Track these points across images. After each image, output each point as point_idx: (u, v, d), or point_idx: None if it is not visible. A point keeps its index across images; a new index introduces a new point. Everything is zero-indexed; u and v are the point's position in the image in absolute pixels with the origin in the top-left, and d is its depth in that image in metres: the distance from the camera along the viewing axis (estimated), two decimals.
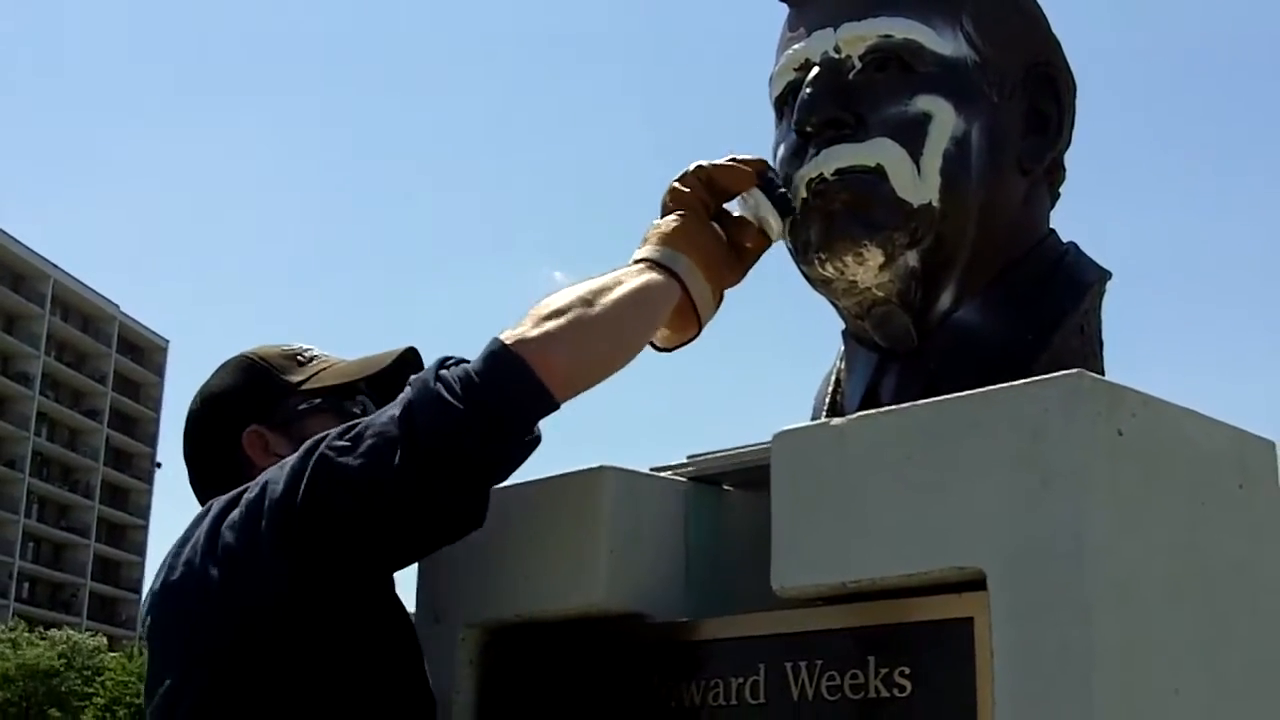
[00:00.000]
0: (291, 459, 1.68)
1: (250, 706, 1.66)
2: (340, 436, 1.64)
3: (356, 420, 1.68)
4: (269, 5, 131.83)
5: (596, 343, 1.68)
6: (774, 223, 1.82)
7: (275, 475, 1.68)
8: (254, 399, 1.97)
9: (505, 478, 1.67)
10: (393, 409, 1.64)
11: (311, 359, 2.03)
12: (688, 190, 1.83)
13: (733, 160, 1.84)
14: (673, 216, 1.81)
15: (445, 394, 1.59)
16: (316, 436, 1.67)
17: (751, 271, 1.88)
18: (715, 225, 1.83)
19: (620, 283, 1.71)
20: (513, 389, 1.60)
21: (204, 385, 2.03)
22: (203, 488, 1.97)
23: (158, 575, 1.81)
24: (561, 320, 1.64)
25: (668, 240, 1.78)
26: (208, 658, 1.69)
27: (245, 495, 1.70)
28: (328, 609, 1.66)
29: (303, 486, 1.62)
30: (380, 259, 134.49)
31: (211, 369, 2.06)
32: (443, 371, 1.63)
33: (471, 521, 1.66)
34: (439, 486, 1.59)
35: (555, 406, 1.63)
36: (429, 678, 1.79)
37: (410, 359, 1.98)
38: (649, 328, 1.75)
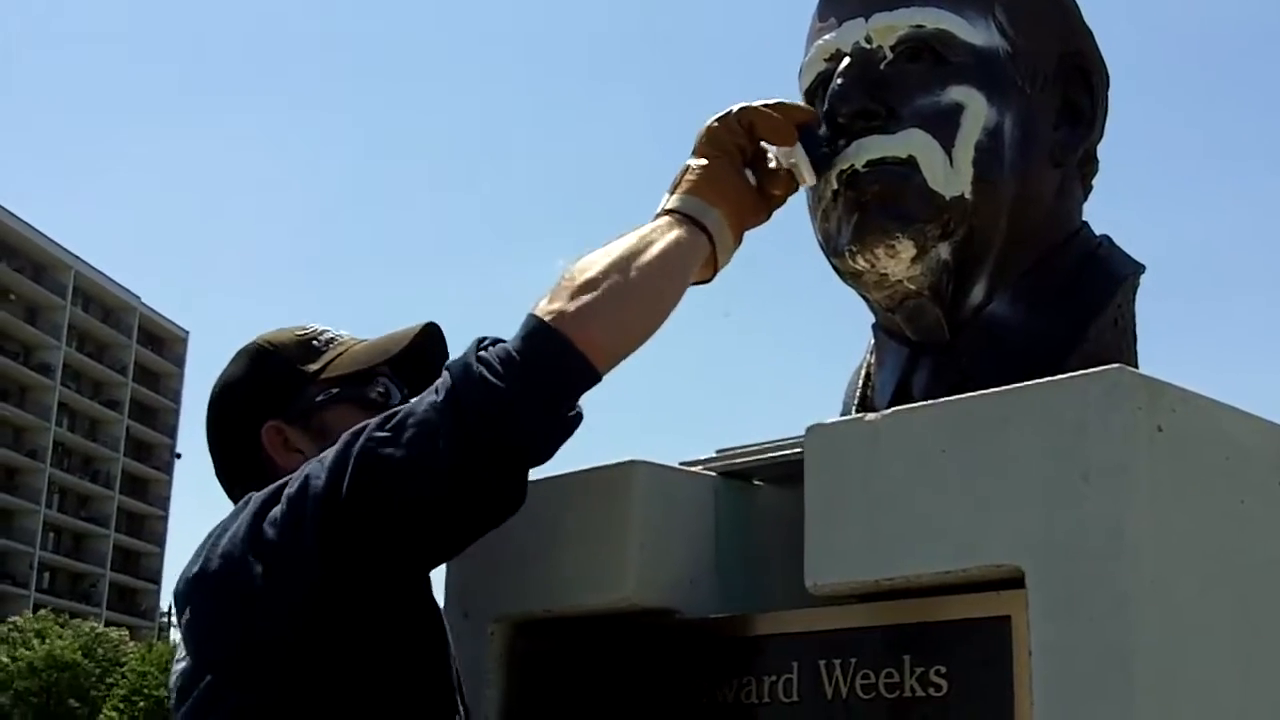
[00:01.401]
0: (330, 452, 1.64)
1: (296, 703, 1.63)
2: (380, 427, 1.61)
3: (394, 410, 1.64)
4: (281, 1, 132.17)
5: (635, 312, 1.65)
6: (809, 178, 1.79)
7: (316, 470, 1.64)
8: (269, 390, 1.92)
9: (550, 457, 1.64)
10: (431, 395, 1.61)
11: (328, 342, 1.97)
12: (725, 134, 1.78)
13: (781, 105, 1.80)
14: (703, 161, 1.77)
15: (489, 375, 1.56)
16: (355, 429, 1.64)
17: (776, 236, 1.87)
18: (747, 171, 1.79)
19: (651, 243, 1.67)
20: (557, 366, 1.58)
21: (220, 375, 1.98)
22: (228, 478, 1.94)
23: (191, 565, 1.76)
24: (598, 291, 1.60)
25: (697, 190, 1.74)
26: (252, 654, 1.66)
27: (286, 490, 1.66)
28: (370, 605, 1.63)
29: (347, 479, 1.58)
30: (393, 250, 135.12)
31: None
32: (482, 353, 1.60)
33: (515, 504, 1.63)
34: (488, 470, 1.57)
35: (598, 379, 1.61)
36: (460, 678, 1.77)
37: (429, 336, 1.94)
38: (682, 289, 1.71)
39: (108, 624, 55.05)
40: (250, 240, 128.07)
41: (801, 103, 1.87)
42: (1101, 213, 1.92)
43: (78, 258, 75.83)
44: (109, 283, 78.84)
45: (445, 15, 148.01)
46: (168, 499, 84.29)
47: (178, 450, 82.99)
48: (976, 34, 1.81)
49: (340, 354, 1.95)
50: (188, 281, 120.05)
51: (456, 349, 1.67)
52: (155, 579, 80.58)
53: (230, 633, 1.68)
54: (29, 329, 73.20)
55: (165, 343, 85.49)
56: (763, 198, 1.80)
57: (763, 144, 1.81)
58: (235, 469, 1.92)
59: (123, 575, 79.33)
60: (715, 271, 1.78)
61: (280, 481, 1.70)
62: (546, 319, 1.59)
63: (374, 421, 1.63)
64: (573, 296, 1.60)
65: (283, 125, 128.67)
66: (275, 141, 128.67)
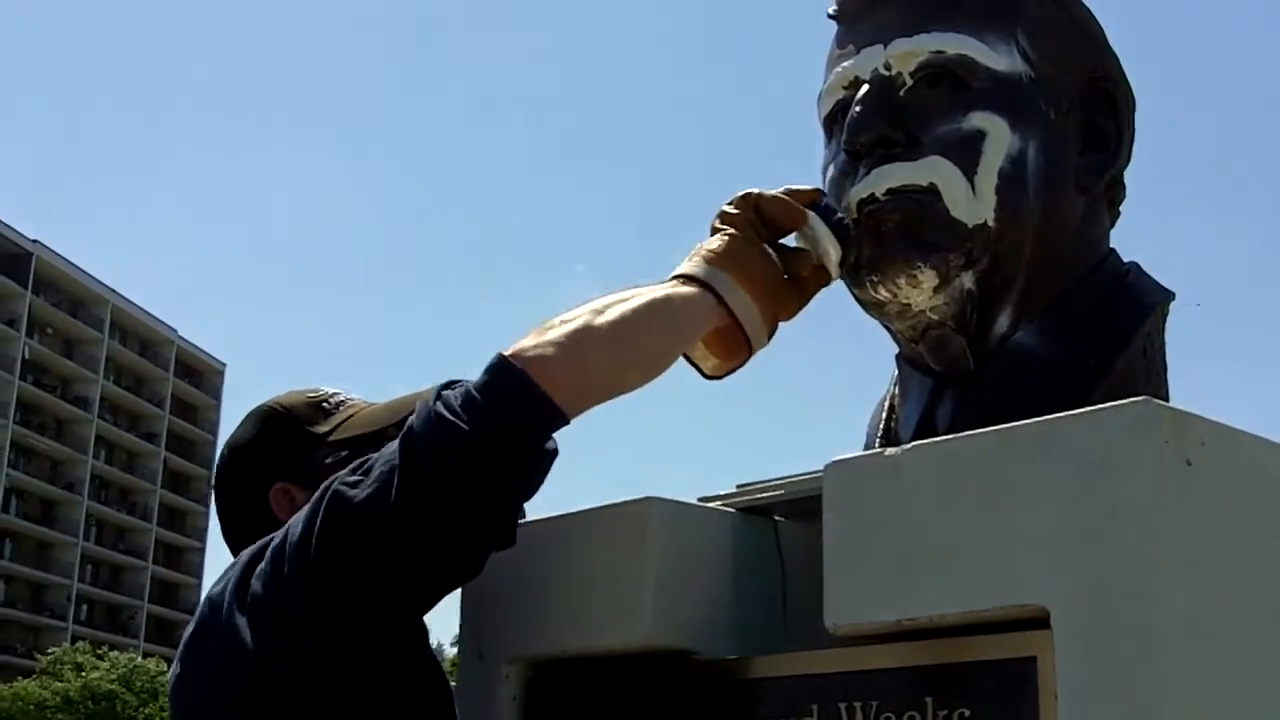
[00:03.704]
0: (308, 504, 1.62)
1: None
2: (352, 472, 1.60)
3: (366, 456, 1.62)
4: (301, 35, 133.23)
5: (603, 351, 1.61)
6: (833, 253, 1.75)
7: (295, 520, 1.62)
8: (279, 452, 1.93)
9: (522, 494, 1.60)
10: (398, 439, 1.59)
11: (338, 405, 1.97)
12: (736, 212, 1.76)
13: (788, 191, 1.77)
14: (717, 236, 1.75)
15: (446, 413, 1.54)
16: (330, 479, 1.62)
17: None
18: (768, 249, 1.76)
19: (638, 295, 1.64)
20: (514, 401, 1.54)
21: (230, 437, 2.00)
22: (234, 542, 1.92)
23: (191, 625, 1.77)
24: (563, 330, 1.58)
25: (708, 258, 1.72)
26: (243, 711, 1.63)
27: (271, 544, 1.65)
28: (357, 658, 1.60)
29: (316, 526, 1.57)
30: (430, 281, 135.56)
31: (268, 392, 2.02)
32: (444, 393, 1.57)
33: (492, 543, 1.59)
34: (446, 508, 1.53)
35: (562, 417, 1.57)
36: None
37: None
38: (670, 338, 1.68)
39: (146, 655, 55.30)
40: (287, 271, 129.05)
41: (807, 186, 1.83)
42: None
43: (115, 291, 76.59)
44: (146, 316, 79.55)
45: (490, 36, 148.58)
46: (205, 531, 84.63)
47: (214, 483, 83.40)
48: (998, 59, 1.78)
49: (350, 416, 1.95)
50: (225, 314, 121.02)
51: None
52: (193, 611, 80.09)
53: (225, 693, 1.66)
54: (67, 363, 73.90)
55: (202, 375, 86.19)
56: (791, 282, 1.76)
57: (782, 240, 1.78)
58: (243, 532, 1.90)
59: (160, 607, 79.75)
60: (750, 353, 1.75)
61: (268, 536, 1.69)
62: (506, 355, 1.57)
63: (348, 468, 1.62)
64: (539, 335, 1.58)
65: (319, 154, 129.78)
66: (312, 170, 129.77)
